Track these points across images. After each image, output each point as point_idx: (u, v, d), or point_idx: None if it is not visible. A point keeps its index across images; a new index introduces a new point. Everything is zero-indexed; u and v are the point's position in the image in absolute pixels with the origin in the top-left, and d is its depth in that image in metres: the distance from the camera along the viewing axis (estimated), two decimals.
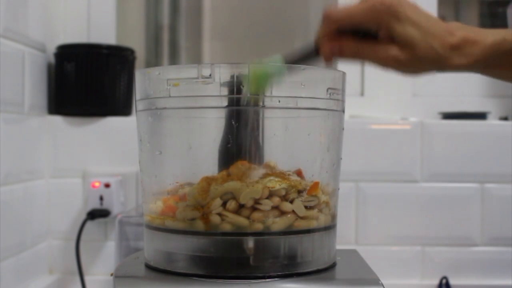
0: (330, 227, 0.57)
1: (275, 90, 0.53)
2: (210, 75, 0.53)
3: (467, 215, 1.15)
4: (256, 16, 1.39)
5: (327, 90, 0.55)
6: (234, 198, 0.53)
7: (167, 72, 0.55)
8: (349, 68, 1.22)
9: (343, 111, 0.59)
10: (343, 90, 0.58)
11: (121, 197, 1.13)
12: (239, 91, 0.52)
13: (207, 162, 0.56)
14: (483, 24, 1.43)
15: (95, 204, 1.10)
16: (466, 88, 1.28)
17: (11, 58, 0.99)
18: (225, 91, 0.53)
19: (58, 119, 1.14)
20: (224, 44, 1.40)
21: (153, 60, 1.40)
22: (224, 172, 0.54)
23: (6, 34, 0.97)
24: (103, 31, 1.24)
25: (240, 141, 0.53)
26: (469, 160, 1.15)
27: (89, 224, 1.11)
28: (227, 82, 0.52)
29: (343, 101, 0.58)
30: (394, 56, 0.53)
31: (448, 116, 1.20)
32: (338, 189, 0.59)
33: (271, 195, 0.53)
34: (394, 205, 1.15)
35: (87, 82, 1.14)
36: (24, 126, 1.05)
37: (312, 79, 0.55)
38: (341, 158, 0.59)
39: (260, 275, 0.52)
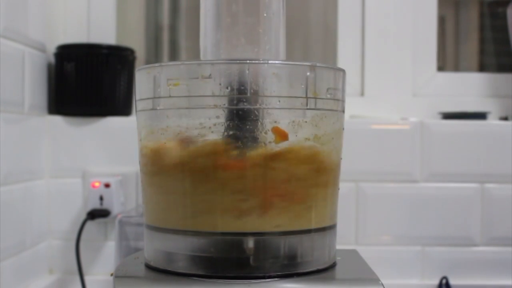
0: (330, 227, 0.57)
1: (274, 90, 0.53)
2: (210, 74, 0.53)
3: (467, 215, 1.15)
4: None
5: (327, 90, 0.55)
6: None
7: (167, 70, 0.55)
8: (349, 68, 1.23)
9: (343, 111, 0.59)
10: (343, 90, 0.58)
11: (121, 197, 1.13)
12: (239, 91, 0.52)
13: None
14: (483, 24, 1.43)
15: (95, 204, 1.10)
16: (466, 88, 1.29)
17: (11, 58, 0.99)
18: (225, 90, 0.53)
19: (58, 119, 1.14)
20: None
21: (153, 60, 1.40)
22: None
23: (6, 34, 0.97)
24: (103, 31, 1.24)
25: (240, 141, 0.53)
26: (469, 160, 1.15)
27: (89, 224, 1.11)
28: (228, 82, 0.52)
29: (343, 101, 0.58)
30: None
31: (448, 116, 1.20)
32: (338, 189, 0.59)
33: None
34: (394, 205, 1.15)
35: (87, 82, 1.14)
36: (24, 126, 1.05)
37: (312, 79, 0.55)
38: (341, 158, 0.59)
39: (260, 275, 0.52)
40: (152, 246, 0.57)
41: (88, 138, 1.14)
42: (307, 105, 0.54)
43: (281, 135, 0.53)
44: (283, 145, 0.53)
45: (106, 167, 1.14)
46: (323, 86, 0.55)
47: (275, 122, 0.53)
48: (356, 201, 1.15)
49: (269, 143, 0.53)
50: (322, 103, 0.55)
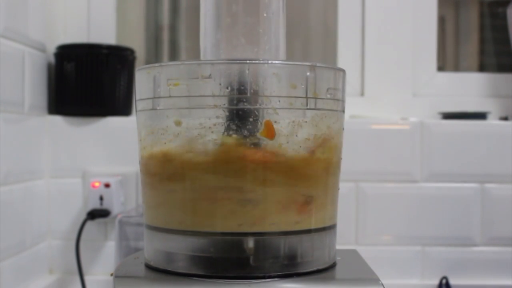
0: (330, 227, 0.57)
1: (275, 90, 0.53)
2: (210, 74, 0.53)
3: (467, 215, 1.15)
4: None
5: (327, 90, 0.55)
6: None
7: (167, 70, 0.55)
8: (349, 68, 1.23)
9: (343, 111, 0.59)
10: (343, 90, 0.58)
11: (121, 197, 1.13)
12: (239, 91, 0.52)
13: None
14: (483, 24, 1.43)
15: (95, 204, 1.10)
16: (466, 88, 1.29)
17: (11, 58, 0.99)
18: (225, 90, 0.53)
19: (58, 119, 1.14)
20: None
21: (153, 60, 1.40)
22: None
23: (6, 34, 0.97)
24: (103, 31, 1.24)
25: (240, 141, 0.53)
26: (469, 160, 1.15)
27: (89, 224, 1.11)
28: (228, 81, 0.52)
29: (343, 101, 0.58)
30: None
31: (448, 116, 1.20)
32: (338, 189, 0.59)
33: None
34: (394, 205, 1.15)
35: (87, 82, 1.14)
36: (24, 126, 1.05)
37: (312, 79, 0.55)
38: (341, 158, 0.59)
39: (260, 275, 0.52)
40: (152, 246, 0.57)
41: (88, 138, 1.14)
42: (307, 105, 0.54)
43: (269, 131, 0.52)
44: (283, 145, 0.53)
45: (106, 167, 1.14)
46: (323, 86, 0.55)
47: (275, 122, 0.53)
48: (356, 201, 1.15)
49: (269, 144, 0.53)
50: (322, 103, 0.55)
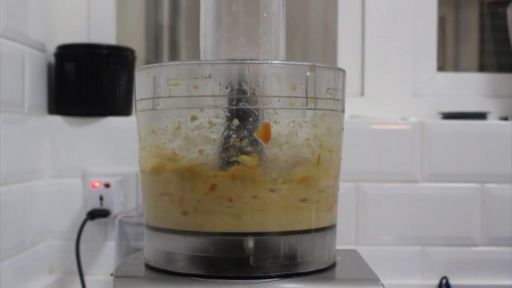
0: (330, 227, 0.57)
1: (274, 90, 0.53)
2: (210, 74, 0.53)
3: (467, 215, 1.15)
4: None
5: (327, 90, 0.55)
6: None
7: (167, 70, 0.55)
8: (349, 68, 1.23)
9: (343, 111, 0.59)
10: (343, 90, 0.58)
11: (121, 197, 1.13)
12: (239, 91, 0.52)
13: None
14: (483, 24, 1.43)
15: (95, 204, 1.10)
16: (466, 88, 1.29)
17: (11, 58, 0.99)
18: (225, 90, 0.53)
19: (58, 119, 1.14)
20: None
21: (153, 60, 1.40)
22: None
23: (6, 34, 0.97)
24: (103, 31, 1.24)
25: (240, 141, 0.53)
26: (469, 160, 1.15)
27: (89, 224, 1.11)
28: (228, 82, 0.52)
29: (343, 101, 0.58)
30: None
31: (448, 116, 1.20)
32: (338, 189, 0.59)
33: None
34: (394, 205, 1.15)
35: (87, 82, 1.14)
36: (24, 126, 1.05)
37: (312, 79, 0.55)
38: (341, 158, 0.59)
39: (260, 275, 0.52)
40: (152, 246, 0.57)
41: (88, 138, 1.14)
42: (307, 105, 0.54)
43: (264, 133, 0.52)
44: (283, 145, 0.53)
45: (106, 167, 1.14)
46: (323, 86, 0.55)
47: (275, 122, 0.53)
48: (356, 201, 1.15)
49: (269, 143, 0.53)
50: (322, 103, 0.55)
